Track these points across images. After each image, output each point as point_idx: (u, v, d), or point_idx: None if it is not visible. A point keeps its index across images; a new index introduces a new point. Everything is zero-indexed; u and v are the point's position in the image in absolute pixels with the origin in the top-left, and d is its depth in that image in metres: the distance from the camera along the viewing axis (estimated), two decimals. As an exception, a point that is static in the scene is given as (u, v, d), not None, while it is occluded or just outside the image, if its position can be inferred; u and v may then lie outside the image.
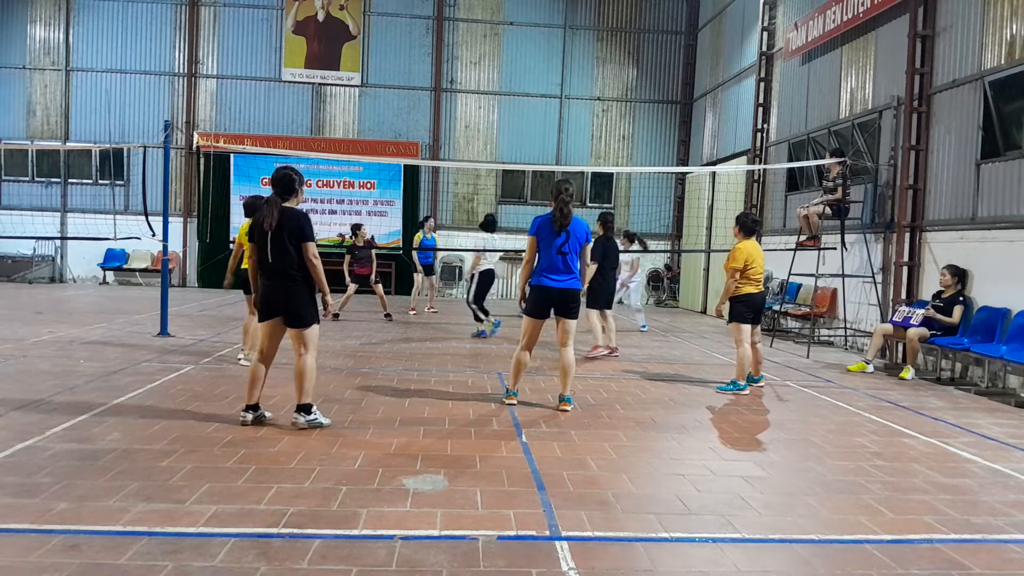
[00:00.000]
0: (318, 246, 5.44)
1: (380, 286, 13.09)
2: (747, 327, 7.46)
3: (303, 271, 5.26)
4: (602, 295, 9.54)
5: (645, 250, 13.03)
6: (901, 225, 10.09)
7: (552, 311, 6.30)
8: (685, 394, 7.29)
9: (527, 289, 6.55)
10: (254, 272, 5.40)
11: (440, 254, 18.56)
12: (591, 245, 6.55)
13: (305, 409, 5.35)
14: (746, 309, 7.45)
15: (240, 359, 7.95)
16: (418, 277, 14.45)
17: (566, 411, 6.23)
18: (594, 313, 9.53)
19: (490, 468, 4.58)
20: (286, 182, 5.27)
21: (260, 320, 5.42)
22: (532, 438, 5.35)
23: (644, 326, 12.73)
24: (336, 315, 12.24)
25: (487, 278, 11.09)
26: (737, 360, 7.46)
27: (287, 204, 5.28)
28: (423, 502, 3.95)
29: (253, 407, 5.42)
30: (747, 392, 7.38)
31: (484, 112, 19.30)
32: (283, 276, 5.21)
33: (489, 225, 11.20)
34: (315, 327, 5.39)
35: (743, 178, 15.66)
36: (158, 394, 6.30)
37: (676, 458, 5.01)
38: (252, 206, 6.90)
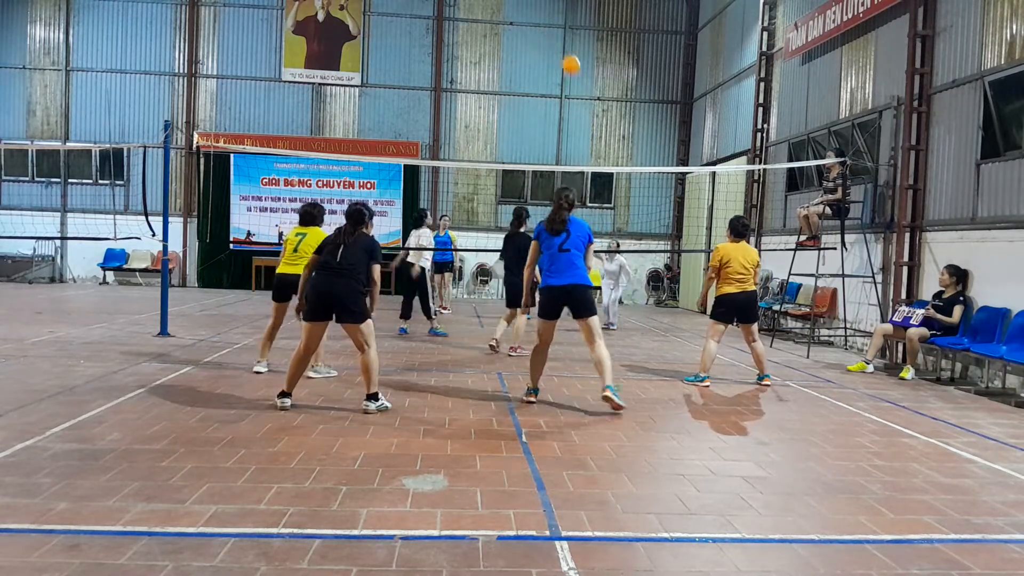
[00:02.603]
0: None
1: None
2: (720, 325, 7.86)
3: (363, 278, 5.92)
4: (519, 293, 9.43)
5: (618, 249, 13.12)
6: (901, 225, 10.09)
7: (567, 311, 6.38)
8: (685, 394, 7.29)
9: (535, 293, 6.84)
10: (307, 274, 6.04)
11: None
12: (593, 245, 6.61)
13: (373, 397, 5.99)
14: (722, 308, 7.86)
15: (256, 370, 7.51)
16: (436, 276, 14.59)
17: (610, 399, 6.17)
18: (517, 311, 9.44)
19: (490, 468, 4.58)
20: (357, 216, 6.07)
21: (310, 319, 5.94)
22: (532, 438, 5.35)
23: (614, 324, 12.83)
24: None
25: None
26: (703, 353, 7.89)
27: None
28: (423, 502, 3.95)
29: (289, 394, 5.99)
30: (707, 384, 7.69)
31: (484, 112, 19.30)
32: (348, 275, 5.85)
33: (418, 220, 11.40)
34: (369, 322, 5.97)
35: (743, 178, 15.66)
36: (158, 394, 6.30)
37: (676, 458, 5.01)
38: (308, 215, 7.47)
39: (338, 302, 5.87)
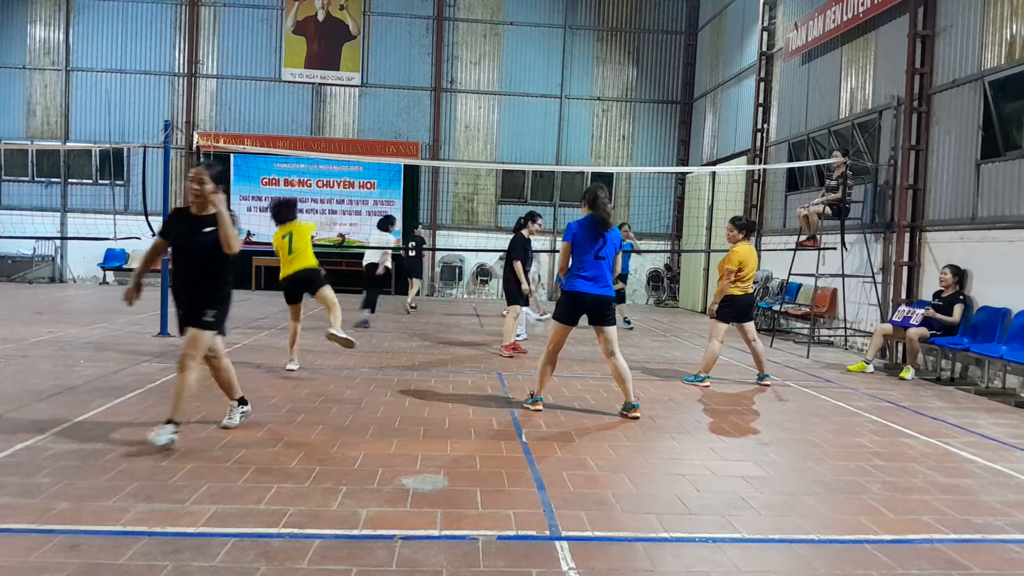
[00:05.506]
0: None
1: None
2: (723, 326, 7.90)
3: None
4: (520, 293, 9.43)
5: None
6: (901, 225, 10.09)
7: (587, 319, 6.12)
8: (685, 394, 7.29)
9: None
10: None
11: (440, 254, 18.68)
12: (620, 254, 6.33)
13: (170, 422, 4.76)
14: (728, 310, 7.86)
15: (289, 367, 7.55)
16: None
17: (637, 418, 6.04)
18: (514, 310, 9.42)
19: (490, 468, 4.58)
20: None
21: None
22: (532, 438, 5.35)
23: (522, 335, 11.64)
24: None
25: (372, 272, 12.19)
26: (706, 353, 7.89)
27: None
28: (423, 502, 3.94)
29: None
30: (707, 384, 7.71)
31: (484, 112, 19.30)
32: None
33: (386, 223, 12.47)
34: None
35: (743, 178, 15.66)
36: (158, 394, 6.29)
37: (676, 458, 5.01)
38: (286, 212, 7.61)
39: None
